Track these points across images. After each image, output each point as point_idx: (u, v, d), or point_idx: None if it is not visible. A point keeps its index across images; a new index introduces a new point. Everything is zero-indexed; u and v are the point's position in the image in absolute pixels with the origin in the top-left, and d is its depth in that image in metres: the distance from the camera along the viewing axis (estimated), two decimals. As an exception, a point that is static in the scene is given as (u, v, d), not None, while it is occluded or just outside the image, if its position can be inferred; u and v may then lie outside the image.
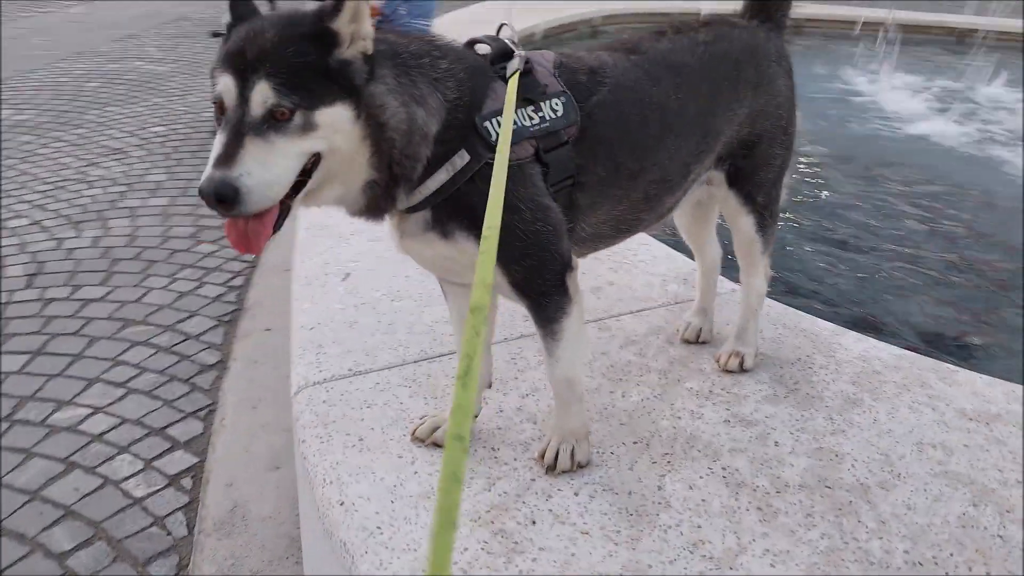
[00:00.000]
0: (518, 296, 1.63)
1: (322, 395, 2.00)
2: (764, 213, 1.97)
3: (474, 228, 1.54)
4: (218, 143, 1.35)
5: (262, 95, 1.33)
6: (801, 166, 5.25)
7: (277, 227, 1.42)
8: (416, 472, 1.74)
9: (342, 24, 1.38)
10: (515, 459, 1.79)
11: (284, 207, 1.42)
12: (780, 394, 2.04)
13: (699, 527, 1.61)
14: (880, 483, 1.74)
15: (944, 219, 4.48)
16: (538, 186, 1.56)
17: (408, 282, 2.59)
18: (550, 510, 1.64)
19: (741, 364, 2.12)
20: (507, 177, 1.49)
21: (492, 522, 1.61)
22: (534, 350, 2.21)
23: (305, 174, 1.41)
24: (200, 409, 3.13)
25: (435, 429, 1.82)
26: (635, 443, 1.85)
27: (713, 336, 2.29)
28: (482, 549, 1.54)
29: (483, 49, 1.63)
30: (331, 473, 1.73)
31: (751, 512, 1.65)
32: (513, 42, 1.60)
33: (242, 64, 1.36)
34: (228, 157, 1.31)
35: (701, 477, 1.74)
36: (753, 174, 1.92)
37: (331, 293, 2.53)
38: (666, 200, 1.81)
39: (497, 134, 1.49)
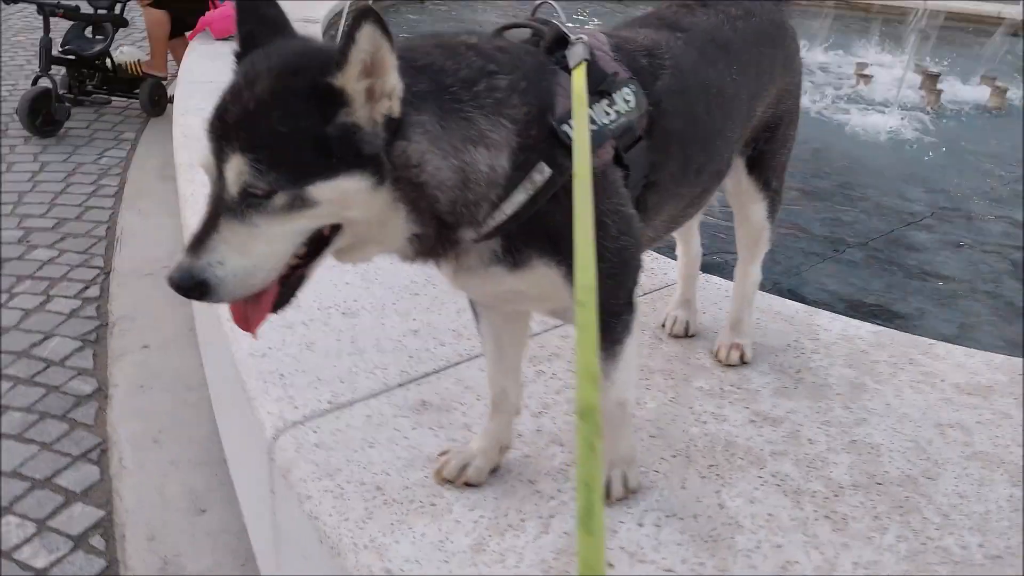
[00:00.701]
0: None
1: (310, 437, 1.71)
2: (775, 198, 1.89)
3: (556, 253, 1.32)
4: (198, 222, 1.14)
5: (235, 172, 1.11)
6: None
7: (286, 301, 1.23)
8: (458, 521, 1.51)
9: (348, 81, 1.11)
10: (559, 490, 1.61)
11: (296, 277, 1.22)
12: (789, 385, 1.97)
13: (779, 546, 1.50)
14: (924, 473, 1.71)
15: (814, 181, 4.68)
16: (621, 193, 1.36)
17: (353, 290, 2.31)
18: (622, 547, 1.48)
19: (742, 356, 2.03)
20: (608, 186, 1.30)
21: (567, 571, 1.42)
22: (525, 362, 2.01)
23: (321, 241, 1.20)
24: (89, 450, 2.68)
25: (464, 466, 1.60)
26: (674, 456, 1.71)
27: (699, 327, 2.19)
28: (570, 607, 1.36)
29: (521, 34, 1.40)
30: (360, 534, 1.47)
31: (821, 521, 1.56)
32: (564, 24, 1.38)
33: (221, 129, 1.13)
34: (200, 242, 1.13)
35: (756, 488, 1.64)
36: (772, 158, 1.82)
37: (268, 309, 2.19)
38: (714, 190, 1.67)
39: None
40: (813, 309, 2.34)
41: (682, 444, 1.75)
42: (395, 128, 1.16)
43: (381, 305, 2.25)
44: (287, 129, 1.11)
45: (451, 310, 2.24)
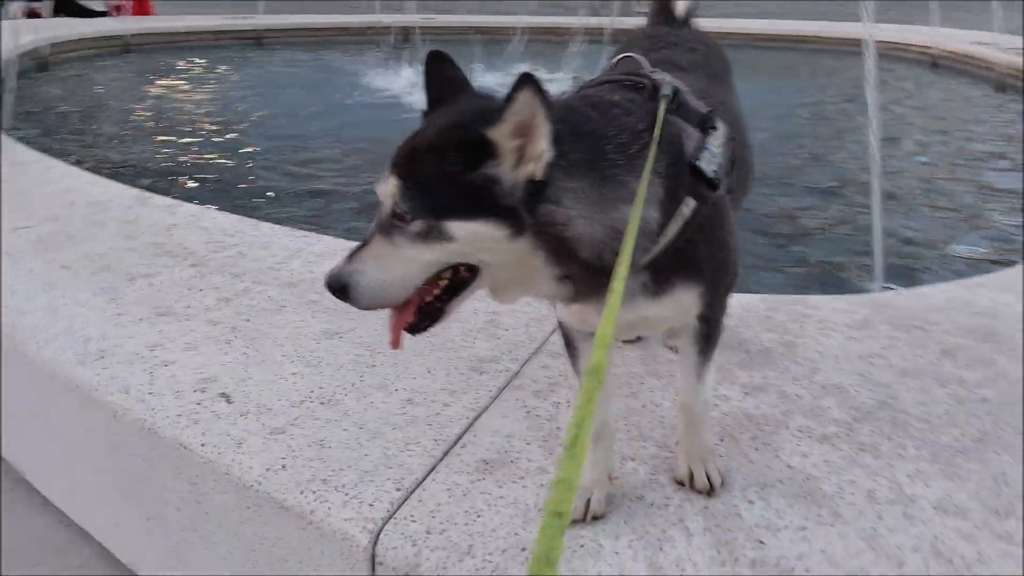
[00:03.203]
0: (699, 326, 1.58)
1: (413, 527, 1.64)
2: None
3: (697, 275, 1.46)
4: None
5: (389, 194, 1.29)
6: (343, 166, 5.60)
7: (420, 329, 1.35)
8: (616, 552, 1.57)
9: (500, 136, 1.23)
10: (667, 497, 1.73)
11: (435, 310, 1.35)
12: (745, 358, 2.28)
13: (853, 481, 1.77)
14: (887, 396, 2.11)
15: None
16: (731, 215, 1.53)
17: (308, 379, 2.18)
18: (757, 525, 1.64)
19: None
20: (718, 213, 1.46)
21: (737, 557, 1.56)
22: (532, 396, 2.09)
23: (461, 282, 1.33)
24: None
25: (587, 503, 1.65)
26: (722, 440, 1.91)
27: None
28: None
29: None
30: None
31: (862, 453, 1.86)
32: (655, 71, 1.52)
33: (392, 161, 1.31)
34: (355, 253, 1.32)
35: (798, 444, 1.90)
36: None
37: (227, 420, 2.00)
38: None
39: (714, 170, 1.42)
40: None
41: (719, 428, 1.96)
42: (540, 189, 1.25)
43: (351, 385, 2.15)
44: (435, 169, 1.26)
45: (420, 371, 2.22)
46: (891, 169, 5.47)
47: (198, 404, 2.07)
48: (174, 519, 2.08)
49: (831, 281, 3.82)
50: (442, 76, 1.39)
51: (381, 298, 1.30)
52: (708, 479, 1.73)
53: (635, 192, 1.33)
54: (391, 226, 1.28)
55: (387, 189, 1.28)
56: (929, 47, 10.77)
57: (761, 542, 1.60)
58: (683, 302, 1.49)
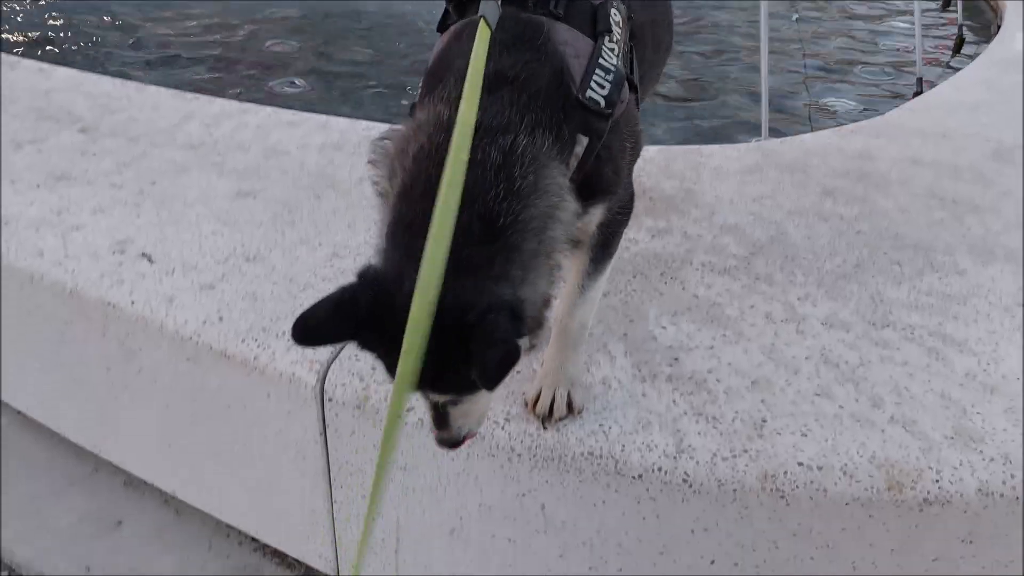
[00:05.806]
0: (598, 233, 1.55)
1: (358, 365, 1.73)
2: None
3: (605, 195, 1.47)
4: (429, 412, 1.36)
5: (442, 401, 1.32)
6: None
7: None
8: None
9: None
10: (591, 330, 1.88)
11: None
12: (649, 204, 2.43)
13: (753, 306, 1.97)
14: (777, 232, 2.31)
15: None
16: (637, 114, 1.56)
17: (227, 238, 2.19)
18: (670, 347, 1.82)
19: None
20: (614, 130, 1.42)
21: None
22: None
23: None
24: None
25: (551, 403, 1.63)
26: (634, 277, 2.07)
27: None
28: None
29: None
30: (495, 414, 1.61)
31: (758, 283, 2.06)
32: None
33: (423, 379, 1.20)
34: (443, 421, 1.34)
35: (702, 277, 2.08)
36: None
37: (153, 279, 2.00)
38: None
39: (603, 95, 1.35)
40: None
41: (629, 267, 2.11)
42: None
43: (274, 242, 2.18)
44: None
45: (340, 227, 2.26)
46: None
47: (119, 265, 2.06)
48: (101, 380, 2.10)
49: (721, 134, 4.02)
50: None
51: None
52: (553, 404, 1.63)
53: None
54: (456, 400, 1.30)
55: (438, 401, 1.30)
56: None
57: (676, 359, 1.79)
58: (596, 217, 1.49)
